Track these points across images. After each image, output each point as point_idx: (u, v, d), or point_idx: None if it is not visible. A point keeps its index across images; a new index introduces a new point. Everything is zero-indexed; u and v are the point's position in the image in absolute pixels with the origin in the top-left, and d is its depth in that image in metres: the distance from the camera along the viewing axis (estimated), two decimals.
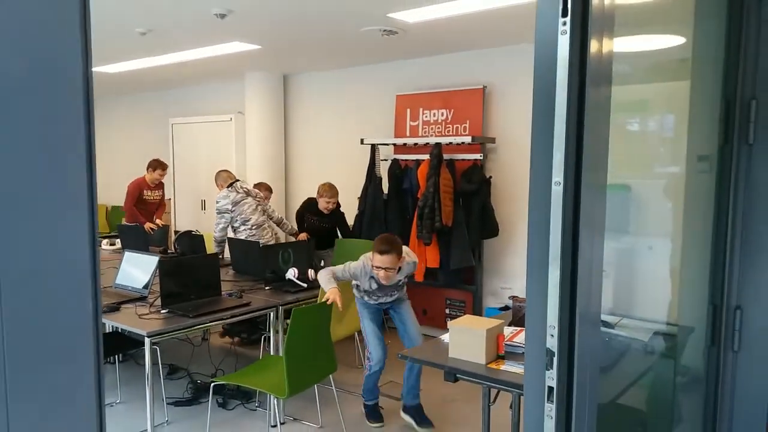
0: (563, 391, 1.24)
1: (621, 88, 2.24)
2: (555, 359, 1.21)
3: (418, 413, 3.45)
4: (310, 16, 4.06)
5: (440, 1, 3.62)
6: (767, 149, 2.06)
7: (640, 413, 2.54)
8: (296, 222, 5.17)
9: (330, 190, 4.86)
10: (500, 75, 4.92)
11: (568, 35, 1.14)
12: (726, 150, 2.10)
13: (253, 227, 4.73)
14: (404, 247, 3.40)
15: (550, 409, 1.23)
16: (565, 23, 1.13)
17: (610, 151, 1.55)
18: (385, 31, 4.37)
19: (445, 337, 2.58)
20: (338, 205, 5.02)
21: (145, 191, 5.79)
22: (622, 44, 2.06)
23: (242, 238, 4.67)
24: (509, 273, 4.98)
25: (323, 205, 4.88)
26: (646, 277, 2.56)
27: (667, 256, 2.47)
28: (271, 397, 3.48)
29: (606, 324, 2.45)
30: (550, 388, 1.22)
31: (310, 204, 5.04)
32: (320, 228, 5.00)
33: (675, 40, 2.28)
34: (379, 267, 3.19)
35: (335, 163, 6.09)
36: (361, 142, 5.33)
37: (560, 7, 1.13)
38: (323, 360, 3.04)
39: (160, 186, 5.93)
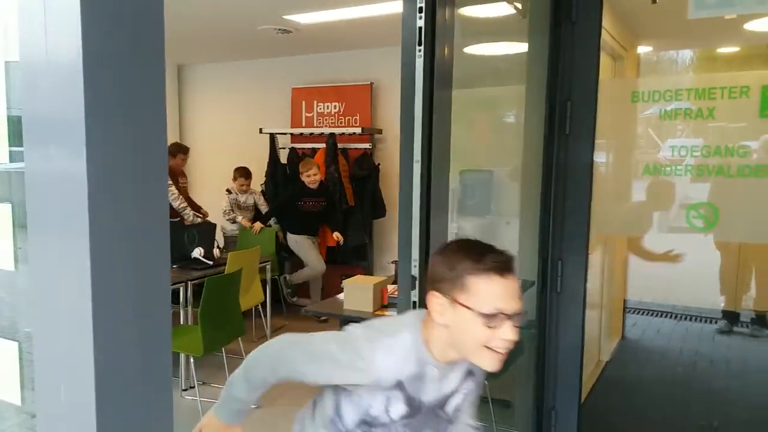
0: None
1: (473, 91, 2.86)
2: (417, 282, 1.74)
3: None
4: (206, 16, 4.35)
5: (330, 7, 4.08)
6: (579, 138, 2.74)
7: None
8: (277, 216, 5.29)
9: (307, 163, 5.02)
10: (385, 73, 5.47)
11: (423, 58, 1.66)
12: (550, 139, 2.76)
13: None
14: None
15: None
16: (420, 50, 1.65)
17: (476, 142, 2.11)
18: (280, 30, 4.76)
19: (341, 296, 3.09)
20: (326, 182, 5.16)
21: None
22: (470, 60, 2.67)
23: None
24: (396, 249, 5.57)
25: (308, 180, 4.95)
26: (501, 243, 3.20)
27: (514, 226, 3.12)
28: (182, 364, 3.80)
29: None
30: (415, 303, 1.75)
31: (293, 193, 5.14)
32: (318, 208, 5.09)
33: (516, 56, 2.93)
34: (506, 314, 1.14)
35: (236, 152, 6.35)
36: (260, 131, 5.68)
37: (416, 39, 1.65)
38: (233, 324, 3.43)
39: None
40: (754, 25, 3.35)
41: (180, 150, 5.43)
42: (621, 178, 2.73)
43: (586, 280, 2.80)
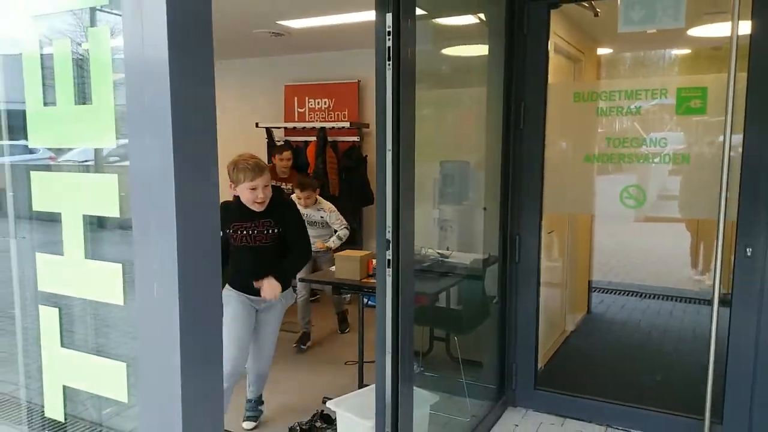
0: (395, 264, 2.27)
1: (444, 92, 3.34)
2: (391, 244, 2.23)
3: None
4: None
5: (321, 15, 4.54)
6: (531, 132, 3.24)
7: (459, 311, 3.68)
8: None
9: (246, 169, 2.79)
10: (371, 71, 5.89)
11: (391, 70, 2.14)
12: (507, 133, 3.26)
13: None
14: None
15: (389, 272, 2.26)
16: (389, 64, 2.13)
17: (453, 136, 2.60)
18: (273, 33, 5.21)
19: (333, 267, 3.59)
20: (281, 193, 4.20)
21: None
22: (446, 62, 3.15)
23: None
24: None
25: (251, 197, 2.80)
26: (472, 224, 3.70)
27: (490, 211, 3.59)
28: None
29: (443, 255, 3.58)
30: (389, 260, 2.24)
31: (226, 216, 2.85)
32: (256, 241, 2.89)
33: (481, 61, 3.40)
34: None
35: (233, 145, 6.79)
36: (256, 125, 6.14)
37: (386, 55, 2.13)
38: None
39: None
40: (696, 32, 3.86)
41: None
42: (567, 165, 3.23)
43: (540, 252, 3.31)
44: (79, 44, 1.32)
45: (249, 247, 2.87)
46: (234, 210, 2.85)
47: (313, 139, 5.78)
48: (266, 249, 2.88)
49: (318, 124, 5.87)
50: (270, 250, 2.88)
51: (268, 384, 3.30)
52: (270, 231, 2.87)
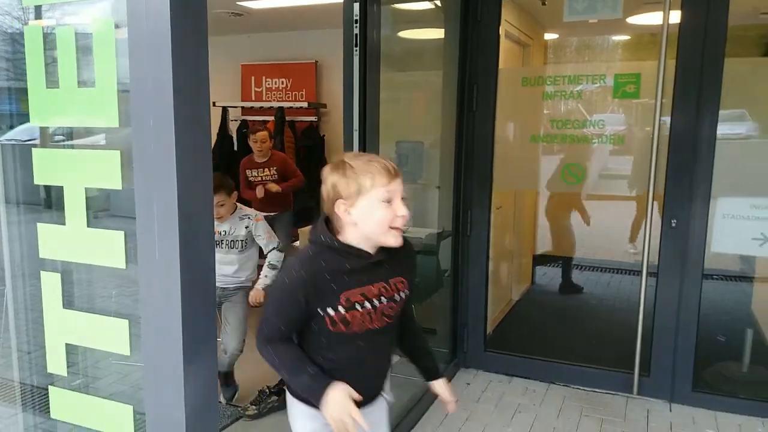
0: None
1: (401, 75, 3.53)
2: None
3: None
4: None
5: None
6: (483, 114, 3.47)
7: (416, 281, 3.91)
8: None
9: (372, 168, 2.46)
10: (329, 52, 6.03)
11: (358, 55, 2.32)
12: (461, 115, 3.48)
13: None
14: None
15: None
16: (356, 50, 2.31)
17: (409, 118, 2.78)
18: (232, 13, 5.25)
19: (297, 243, 3.76)
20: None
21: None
22: (404, 45, 3.34)
23: None
24: None
25: (380, 216, 1.54)
26: (427, 201, 3.92)
27: (435, 187, 3.82)
28: None
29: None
30: None
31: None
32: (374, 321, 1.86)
33: (436, 46, 3.60)
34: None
35: None
36: (213, 104, 6.16)
37: (353, 42, 2.30)
38: None
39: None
40: (636, 19, 4.17)
41: None
42: (515, 145, 3.50)
43: (489, 226, 3.57)
44: (82, 30, 1.44)
45: (371, 331, 1.56)
46: (338, 266, 1.52)
47: (271, 118, 5.87)
48: (389, 330, 1.63)
49: (276, 104, 5.96)
50: (392, 330, 1.65)
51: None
52: (402, 296, 1.62)
